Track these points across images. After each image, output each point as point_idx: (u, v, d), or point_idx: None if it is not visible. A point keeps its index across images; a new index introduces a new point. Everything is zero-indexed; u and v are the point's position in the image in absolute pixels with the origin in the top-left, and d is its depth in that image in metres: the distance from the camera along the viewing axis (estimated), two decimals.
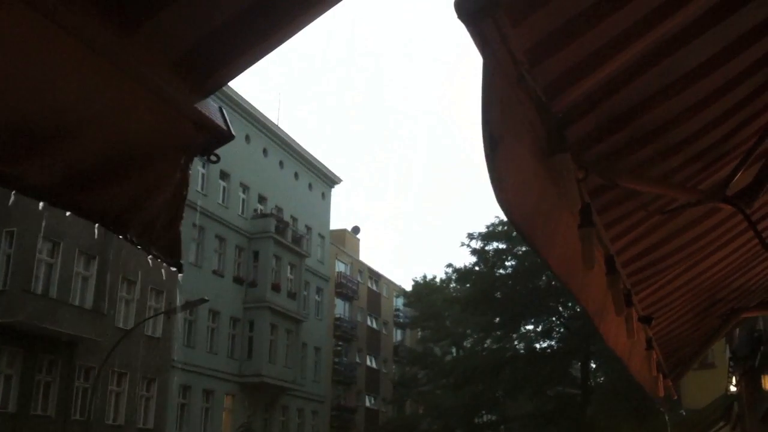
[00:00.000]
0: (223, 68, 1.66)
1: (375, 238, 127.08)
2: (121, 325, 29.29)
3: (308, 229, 45.80)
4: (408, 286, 60.52)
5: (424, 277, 57.04)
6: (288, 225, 42.05)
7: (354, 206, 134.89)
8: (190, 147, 1.72)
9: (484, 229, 41.22)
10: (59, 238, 27.07)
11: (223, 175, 38.42)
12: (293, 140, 44.82)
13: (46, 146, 1.49)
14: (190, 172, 1.75)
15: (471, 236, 40.53)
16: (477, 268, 41.82)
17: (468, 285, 43.05)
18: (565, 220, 2.54)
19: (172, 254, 1.76)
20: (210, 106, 1.73)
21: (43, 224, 25.74)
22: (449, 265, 47.45)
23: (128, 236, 1.68)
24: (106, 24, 1.45)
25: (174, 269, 1.79)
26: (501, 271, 41.15)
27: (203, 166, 36.81)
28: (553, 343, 41.88)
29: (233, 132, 1.80)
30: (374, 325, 56.94)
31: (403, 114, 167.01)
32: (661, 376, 5.79)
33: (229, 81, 1.73)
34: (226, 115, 1.80)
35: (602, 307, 3.57)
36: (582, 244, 2.51)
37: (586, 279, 3.15)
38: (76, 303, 27.90)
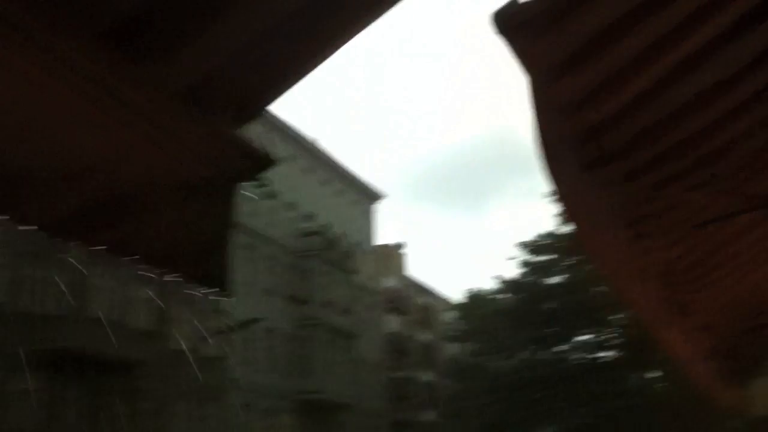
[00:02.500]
0: (261, 95, 1.69)
1: (422, 252, 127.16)
2: (176, 347, 29.69)
3: (356, 245, 45.98)
4: (457, 299, 60.24)
5: (474, 290, 56.75)
6: (335, 242, 42.29)
7: (400, 221, 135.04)
8: (234, 175, 1.73)
9: (531, 240, 40.95)
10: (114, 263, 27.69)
11: (270, 195, 38.81)
12: (335, 158, 45.28)
13: (76, 186, 1.51)
14: (237, 198, 1.76)
15: (523, 245, 40.26)
16: (526, 280, 41.64)
17: (517, 296, 42.85)
18: (617, 231, 2.53)
19: (222, 285, 1.78)
20: (252, 132, 1.75)
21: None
22: (498, 278, 47.17)
23: (177, 274, 1.70)
24: (137, 61, 1.47)
25: (225, 298, 1.84)
26: (550, 281, 40.88)
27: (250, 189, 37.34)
28: (608, 353, 41.26)
29: (275, 156, 1.81)
30: (426, 340, 56.75)
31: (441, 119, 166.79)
32: (725, 383, 5.68)
33: (268, 105, 1.75)
34: (269, 140, 1.79)
35: (659, 316, 3.53)
36: (635, 256, 2.50)
37: (640, 289, 3.13)
38: (134, 326, 28.40)
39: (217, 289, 1.78)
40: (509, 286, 43.00)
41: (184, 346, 29.36)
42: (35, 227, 1.55)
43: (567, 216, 1.93)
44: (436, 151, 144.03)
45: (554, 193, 1.83)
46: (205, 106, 1.61)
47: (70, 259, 25.84)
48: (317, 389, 37.57)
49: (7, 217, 1.53)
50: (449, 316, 60.92)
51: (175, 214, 1.66)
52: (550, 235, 39.87)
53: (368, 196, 49.40)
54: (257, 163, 1.74)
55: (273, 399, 35.65)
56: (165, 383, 25.85)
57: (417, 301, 55.74)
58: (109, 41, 1.45)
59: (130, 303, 28.50)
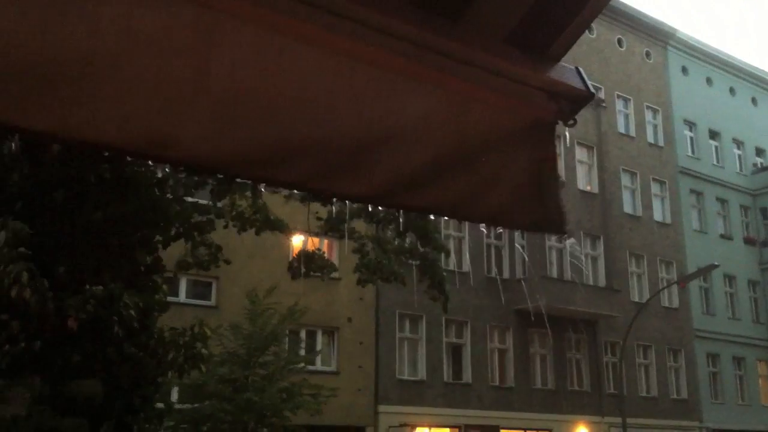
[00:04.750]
0: (564, 28, 1.60)
1: None
2: (636, 299, 29.78)
3: None
4: None
5: None
6: None
7: None
8: (547, 117, 1.66)
9: None
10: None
11: (713, 135, 36.65)
12: None
13: (393, 156, 1.53)
14: (558, 141, 1.68)
15: None
16: None
17: None
18: None
19: (559, 228, 1.72)
20: (563, 70, 1.65)
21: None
22: None
23: (514, 225, 1.68)
24: (433, 20, 1.47)
25: (563, 236, 1.82)
26: None
27: (690, 130, 35.64)
28: None
29: (593, 90, 1.69)
30: None
31: None
32: None
33: (575, 39, 1.64)
34: (583, 73, 1.71)
35: None
36: None
37: None
38: (590, 283, 29.21)
39: (557, 232, 1.73)
40: None
41: (640, 298, 29.35)
42: (355, 199, 1.60)
43: None
44: None
45: None
46: (523, 48, 1.57)
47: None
48: None
49: (327, 196, 1.70)
50: None
51: (501, 164, 1.63)
52: None
53: None
54: (571, 100, 1.65)
55: (742, 347, 33.64)
56: (626, 335, 26.10)
57: None
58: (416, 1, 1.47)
59: (585, 261, 29.34)
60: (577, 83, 1.66)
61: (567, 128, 1.69)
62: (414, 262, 15.51)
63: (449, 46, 1.47)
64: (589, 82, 1.70)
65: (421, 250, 16.47)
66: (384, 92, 1.49)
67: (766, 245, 35.99)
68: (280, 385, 16.71)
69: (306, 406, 16.85)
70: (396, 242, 14.68)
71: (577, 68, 1.71)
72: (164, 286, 9.59)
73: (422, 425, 23.62)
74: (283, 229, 14.81)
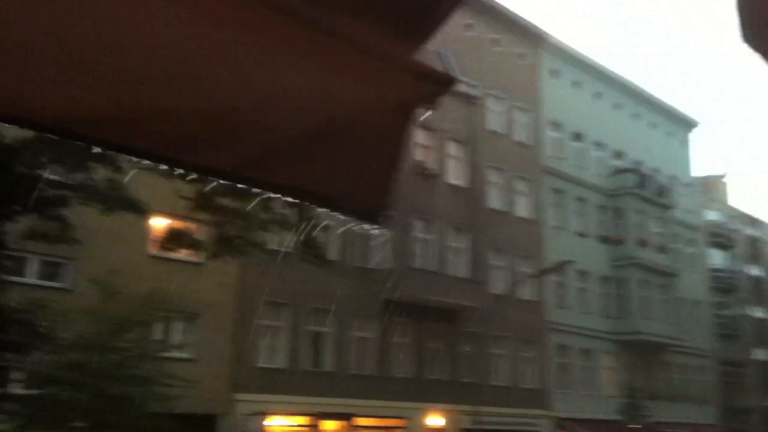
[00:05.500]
0: (433, 10, 1.59)
1: (745, 180, 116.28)
2: (495, 291, 30.91)
3: (671, 179, 43.73)
4: None
5: None
6: (649, 178, 40.61)
7: (716, 149, 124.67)
8: (410, 99, 1.62)
9: None
10: (431, 216, 29.39)
11: (577, 137, 38.41)
12: (645, 90, 43.25)
13: (241, 129, 1.48)
14: (415, 126, 1.66)
15: None
16: None
17: None
18: None
19: (382, 220, 1.68)
20: (429, 53, 1.64)
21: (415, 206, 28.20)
22: None
23: (341, 209, 1.64)
24: None
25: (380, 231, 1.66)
26: None
27: (555, 131, 37.18)
28: None
29: (457, 75, 1.66)
30: (757, 274, 52.41)
31: None
32: None
33: (443, 22, 1.63)
34: (447, 58, 1.69)
35: None
36: None
37: None
38: (453, 274, 30.06)
39: (378, 225, 1.68)
40: None
41: (501, 291, 30.52)
42: (210, 174, 1.53)
43: None
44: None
45: None
46: (391, 27, 1.54)
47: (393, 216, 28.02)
48: (636, 329, 36.81)
49: (181, 168, 1.50)
50: None
51: (352, 147, 1.60)
52: None
53: (682, 124, 46.51)
54: (435, 84, 1.62)
55: (591, 340, 35.67)
56: (486, 326, 27.20)
57: (744, 234, 51.56)
58: None
59: (449, 253, 30.15)
60: (441, 67, 1.64)
61: (429, 112, 1.65)
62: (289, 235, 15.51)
63: (320, 19, 1.43)
64: (453, 67, 1.68)
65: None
66: (250, 60, 1.44)
67: (619, 244, 38.16)
68: (134, 372, 16.31)
69: (160, 394, 16.55)
70: (264, 214, 14.48)
71: (442, 52, 1.71)
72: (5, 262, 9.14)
73: (279, 413, 23.73)
74: (144, 209, 14.40)
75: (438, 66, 1.61)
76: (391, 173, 1.65)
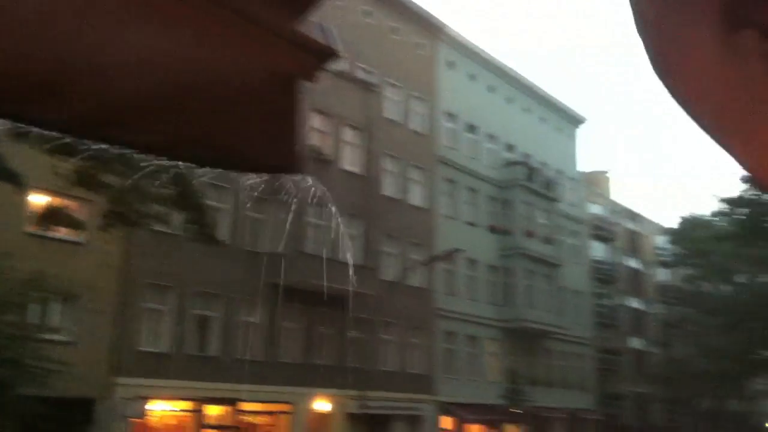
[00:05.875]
0: None
1: (626, 177, 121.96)
2: (387, 278, 31.20)
3: (558, 172, 45.33)
4: (668, 224, 57.77)
5: (690, 214, 54.50)
6: (537, 171, 41.95)
7: (600, 146, 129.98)
8: (291, 70, 1.61)
9: None
10: (325, 201, 29.32)
11: (471, 128, 39.19)
12: (536, 85, 44.55)
13: (114, 83, 1.46)
14: (303, 96, 1.66)
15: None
16: (749, 196, 38.24)
17: (740, 215, 39.87)
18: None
19: (293, 169, 1.67)
20: (312, 25, 1.65)
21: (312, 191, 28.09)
22: (717, 197, 44.01)
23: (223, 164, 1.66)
24: None
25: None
26: None
27: (450, 121, 37.80)
28: None
29: (339, 48, 1.57)
30: (635, 266, 55.16)
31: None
32: None
33: None
34: (328, 31, 1.63)
35: None
36: None
37: None
38: (346, 260, 30.12)
39: (291, 172, 1.69)
40: (729, 202, 39.76)
41: (392, 278, 30.86)
42: (54, 128, 1.50)
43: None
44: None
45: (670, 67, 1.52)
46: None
47: (285, 200, 27.76)
48: (520, 317, 38.06)
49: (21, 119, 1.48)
50: (658, 241, 58.66)
51: (239, 109, 1.59)
52: None
53: (570, 121, 48.23)
54: (315, 56, 1.63)
55: (477, 326, 36.62)
56: (375, 313, 27.46)
57: (624, 227, 54.08)
58: None
59: (341, 239, 30.18)
60: (323, 40, 1.62)
61: (311, 84, 1.63)
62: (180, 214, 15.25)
63: None
64: (335, 41, 1.65)
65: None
66: (118, 24, 1.38)
67: (507, 234, 39.25)
68: (7, 354, 15.68)
69: (35, 377, 15.99)
70: (158, 190, 14.16)
71: (324, 25, 1.58)
72: None
73: (161, 398, 23.24)
74: (21, 181, 13.77)
75: (320, 38, 1.61)
76: (279, 142, 1.63)
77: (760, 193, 37.74)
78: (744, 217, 39.41)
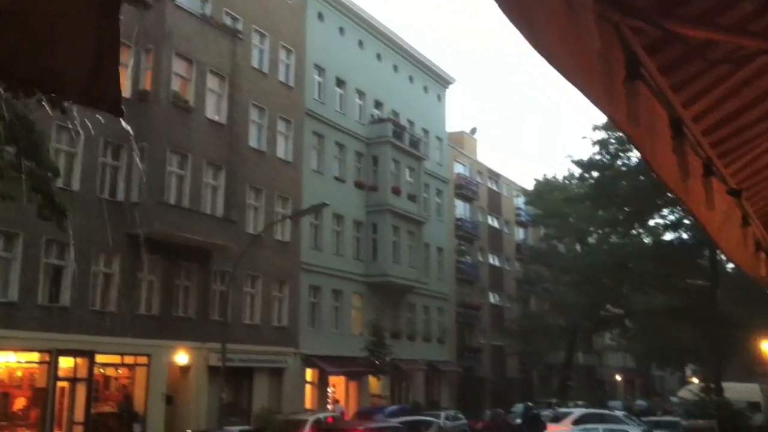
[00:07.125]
0: None
1: (491, 138, 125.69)
2: (251, 231, 30.73)
3: (425, 132, 46.00)
4: (527, 186, 60.09)
5: (546, 176, 56.83)
6: (405, 129, 42.38)
7: (468, 107, 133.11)
8: None
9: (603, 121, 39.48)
10: (187, 151, 28.40)
11: (339, 83, 38.94)
12: (406, 43, 44.75)
13: None
14: (121, 17, 1.61)
15: (595, 127, 38.82)
16: (599, 159, 40.12)
17: (590, 179, 41.87)
18: (618, 75, 2.36)
19: (113, 108, 1.62)
20: None
21: (171, 138, 27.11)
22: (570, 157, 46.04)
23: (61, 96, 1.60)
24: None
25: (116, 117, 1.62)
26: (624, 162, 39.45)
27: (319, 75, 37.41)
28: (680, 234, 40.59)
29: None
30: (496, 225, 57.13)
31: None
32: (763, 254, 5.54)
33: None
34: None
35: (682, 177, 3.37)
36: (627, 100, 2.35)
37: (656, 145, 3.03)
38: (208, 212, 29.39)
39: (108, 110, 1.62)
40: (582, 165, 41.62)
41: (256, 231, 30.41)
42: None
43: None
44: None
45: (530, 27, 1.57)
46: None
47: (144, 147, 26.66)
48: (384, 272, 38.61)
49: None
50: (518, 201, 60.98)
51: (58, 28, 1.52)
52: None
53: (439, 80, 48.89)
54: None
55: (342, 281, 36.85)
56: (238, 266, 26.93)
57: (486, 187, 55.77)
58: None
59: (205, 190, 29.37)
60: None
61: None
62: (23, 177, 14.31)
63: None
64: None
65: (27, 164, 15.17)
66: None
67: (374, 190, 39.55)
68: None
69: None
70: None
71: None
72: None
73: (10, 349, 22.00)
74: None
75: None
76: (99, 76, 1.58)
77: (610, 156, 39.83)
78: (593, 181, 41.37)
